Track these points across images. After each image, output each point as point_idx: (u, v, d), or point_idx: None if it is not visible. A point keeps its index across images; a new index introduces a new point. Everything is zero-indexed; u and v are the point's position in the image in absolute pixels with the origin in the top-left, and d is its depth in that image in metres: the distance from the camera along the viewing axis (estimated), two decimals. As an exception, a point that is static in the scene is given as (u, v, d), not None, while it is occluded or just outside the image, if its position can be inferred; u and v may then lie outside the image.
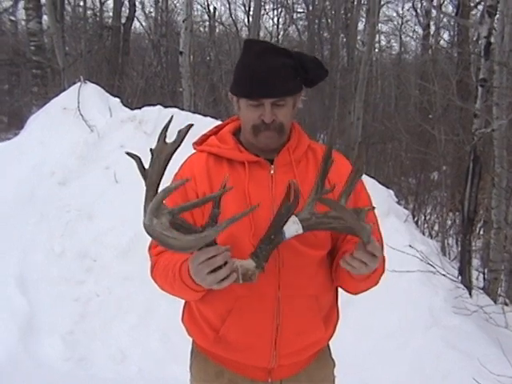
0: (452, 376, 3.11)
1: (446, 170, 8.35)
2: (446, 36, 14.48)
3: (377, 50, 15.20)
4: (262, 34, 13.38)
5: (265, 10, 14.60)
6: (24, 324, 3.73)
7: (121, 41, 12.99)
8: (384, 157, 11.55)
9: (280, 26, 15.95)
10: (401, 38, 16.62)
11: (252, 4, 12.63)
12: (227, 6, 15.03)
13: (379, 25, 13.53)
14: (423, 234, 6.67)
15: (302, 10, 14.98)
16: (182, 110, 6.34)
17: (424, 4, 13.69)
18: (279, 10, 15.48)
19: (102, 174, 5.13)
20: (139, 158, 1.32)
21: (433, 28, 13.91)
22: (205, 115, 5.83)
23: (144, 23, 15.56)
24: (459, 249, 6.18)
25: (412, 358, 3.32)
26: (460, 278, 4.64)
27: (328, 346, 1.77)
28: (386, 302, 3.66)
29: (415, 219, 7.96)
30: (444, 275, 4.00)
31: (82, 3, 13.27)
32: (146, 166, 1.33)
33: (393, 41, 17.58)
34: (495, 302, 4.87)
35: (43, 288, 4.11)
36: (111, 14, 14.03)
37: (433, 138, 8.03)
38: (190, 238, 1.28)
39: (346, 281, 1.58)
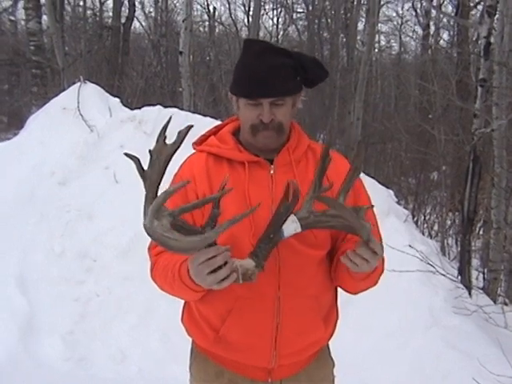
0: (452, 376, 3.12)
1: (445, 170, 8.35)
2: (445, 36, 14.49)
3: (376, 50, 15.20)
4: (261, 33, 13.38)
5: (264, 10, 14.61)
6: (24, 324, 3.73)
7: (120, 41, 12.98)
8: (384, 157, 11.55)
9: (280, 26, 15.97)
10: (400, 38, 16.64)
11: (252, 4, 12.63)
12: (227, 5, 15.05)
13: (379, 25, 13.54)
14: (423, 233, 6.67)
15: (301, 10, 14.98)
16: (182, 109, 6.34)
17: (424, 4, 13.69)
18: (279, 9, 15.49)
19: (101, 174, 5.13)
20: (138, 160, 1.32)
21: (432, 28, 13.92)
22: (204, 115, 5.83)
23: (144, 23, 15.59)
24: (459, 249, 6.18)
25: (412, 358, 3.32)
26: (460, 277, 4.65)
27: (327, 345, 1.77)
28: (385, 301, 3.66)
29: (415, 219, 7.96)
30: (444, 275, 4.00)
31: (81, 3, 13.29)
32: (145, 166, 1.33)
33: (392, 41, 17.60)
34: (495, 301, 4.88)
35: (43, 288, 4.11)
36: (111, 13, 14.03)
37: (432, 138, 8.03)
38: (191, 239, 1.28)
39: (345, 280, 1.58)
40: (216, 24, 15.32)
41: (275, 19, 15.89)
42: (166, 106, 5.94)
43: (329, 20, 13.52)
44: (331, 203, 1.38)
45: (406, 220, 4.96)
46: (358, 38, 12.72)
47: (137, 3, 14.14)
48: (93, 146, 5.43)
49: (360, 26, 13.22)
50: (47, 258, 4.40)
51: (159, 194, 1.30)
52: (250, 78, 1.52)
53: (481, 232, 7.65)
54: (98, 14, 14.72)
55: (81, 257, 4.42)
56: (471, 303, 3.92)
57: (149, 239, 1.37)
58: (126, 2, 13.56)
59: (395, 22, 16.31)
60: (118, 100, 6.22)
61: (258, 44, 1.59)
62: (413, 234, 4.66)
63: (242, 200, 1.53)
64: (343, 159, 1.70)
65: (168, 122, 1.36)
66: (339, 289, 1.70)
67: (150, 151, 1.33)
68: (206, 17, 15.52)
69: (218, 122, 1.81)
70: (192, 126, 1.35)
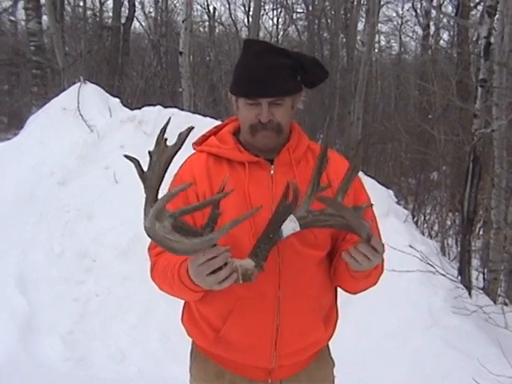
0: (452, 376, 3.12)
1: (445, 171, 8.35)
2: (445, 36, 14.49)
3: (376, 50, 15.20)
4: (261, 34, 13.37)
5: (264, 10, 14.60)
6: (24, 324, 3.73)
7: (120, 41, 12.99)
8: (384, 157, 11.56)
9: (280, 27, 15.95)
10: (400, 38, 16.62)
11: (252, 4, 12.63)
12: (227, 6, 15.04)
13: (379, 25, 13.55)
14: (423, 234, 6.67)
15: (301, 10, 14.96)
16: (182, 110, 6.34)
17: (424, 4, 13.69)
18: (279, 10, 15.47)
19: (101, 174, 5.13)
20: (138, 161, 1.32)
21: (432, 28, 13.92)
22: (204, 115, 5.83)
23: (144, 23, 15.58)
24: (459, 249, 6.18)
25: (412, 358, 3.32)
26: (460, 278, 4.64)
27: (328, 345, 1.77)
28: (385, 301, 3.66)
29: (415, 219, 7.96)
30: (444, 275, 4.00)
31: (81, 3, 13.28)
32: (145, 167, 1.33)
33: (392, 41, 17.59)
34: (495, 302, 4.88)
35: (43, 288, 4.12)
36: (111, 14, 14.04)
37: (432, 138, 8.03)
38: (194, 241, 1.27)
39: (345, 280, 1.58)
40: (216, 24, 15.33)
41: (275, 19, 15.90)
42: (166, 107, 5.94)
43: (329, 20, 13.51)
44: (330, 203, 1.38)
45: (405, 220, 4.96)
46: (358, 38, 12.73)
47: (137, 3, 14.16)
48: (93, 146, 5.43)
49: (360, 26, 13.24)
50: (47, 258, 4.40)
51: (160, 195, 1.30)
52: (249, 77, 1.52)
53: (481, 232, 7.65)
54: (98, 14, 14.73)
55: (80, 257, 4.42)
56: (471, 303, 3.92)
57: (148, 239, 1.36)
58: (126, 3, 13.57)
59: (395, 22, 16.32)
60: (118, 100, 6.22)
61: (258, 44, 1.60)
62: (413, 234, 4.66)
63: (242, 200, 1.52)
64: (343, 159, 1.69)
65: (167, 123, 1.35)
66: (339, 289, 1.70)
67: (149, 152, 1.33)
68: (205, 17, 15.55)
69: (218, 123, 1.81)
70: (193, 128, 1.35)
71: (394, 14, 17.14)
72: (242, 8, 15.01)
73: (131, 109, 6.12)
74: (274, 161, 1.59)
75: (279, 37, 15.33)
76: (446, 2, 13.84)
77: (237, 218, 1.30)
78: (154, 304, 3.91)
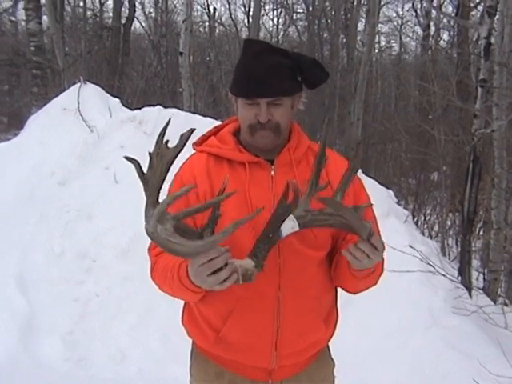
0: (452, 376, 3.12)
1: (445, 171, 8.35)
2: (445, 36, 14.48)
3: (377, 51, 15.20)
4: (261, 34, 13.37)
5: (265, 10, 14.60)
6: (24, 324, 3.73)
7: (121, 41, 12.99)
8: (384, 157, 11.56)
9: (280, 27, 15.95)
10: (401, 38, 16.62)
11: (252, 4, 12.63)
12: (227, 6, 15.03)
13: (379, 25, 13.54)
14: (423, 234, 6.68)
15: (301, 11, 14.96)
16: (182, 110, 6.34)
17: (424, 4, 13.68)
18: (279, 10, 15.47)
19: (101, 175, 5.13)
20: (138, 163, 1.32)
21: (433, 28, 13.91)
22: (205, 116, 5.83)
23: (144, 24, 15.59)
24: (459, 249, 6.18)
25: (412, 358, 3.32)
26: (460, 278, 4.64)
27: (328, 346, 1.77)
28: (385, 301, 3.66)
29: (415, 220, 7.96)
30: (444, 275, 4.00)
31: (81, 4, 13.28)
32: (145, 167, 1.33)
33: (393, 41, 17.58)
34: (495, 302, 4.87)
35: (43, 288, 4.12)
36: (111, 14, 14.04)
37: (432, 138, 8.03)
38: (197, 243, 1.27)
39: (346, 279, 1.58)
40: (216, 24, 15.33)
41: (275, 20, 15.91)
42: (166, 107, 5.94)
43: (329, 20, 13.51)
44: (329, 202, 1.38)
45: (406, 220, 4.96)
46: (358, 38, 12.74)
47: (137, 4, 14.17)
48: (93, 146, 5.43)
49: (360, 26, 13.25)
50: (47, 258, 4.40)
51: (162, 197, 1.29)
52: (248, 77, 1.52)
53: (481, 232, 7.65)
54: (98, 14, 14.72)
55: (80, 257, 4.42)
56: (471, 303, 3.92)
57: (148, 239, 1.36)
58: (126, 3, 13.57)
59: (395, 23, 16.32)
60: (118, 100, 6.22)
61: (258, 44, 1.59)
62: (413, 235, 4.66)
63: (242, 201, 1.52)
64: (343, 159, 1.69)
65: (167, 124, 1.35)
66: (339, 289, 1.70)
67: (149, 153, 1.33)
68: (206, 17, 15.54)
69: (218, 123, 1.81)
70: (194, 130, 1.35)
71: (394, 15, 17.19)
72: (242, 8, 15.01)
73: (131, 109, 6.12)
74: (275, 161, 1.59)
75: (279, 37, 15.34)
76: (446, 3, 13.86)
77: (239, 220, 1.30)
78: (154, 304, 3.91)
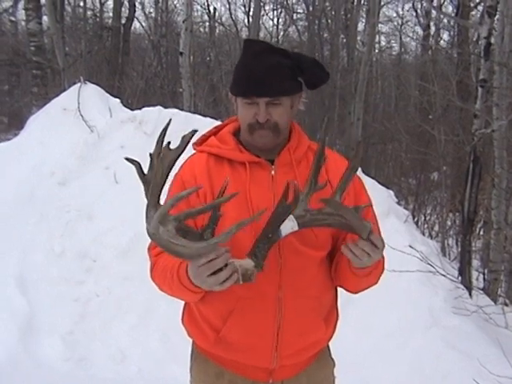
0: (452, 376, 3.12)
1: (445, 171, 8.35)
2: (445, 36, 14.48)
3: (377, 51, 15.20)
4: (262, 34, 13.38)
5: (265, 10, 14.60)
6: (24, 324, 3.73)
7: (121, 41, 12.99)
8: (384, 157, 11.56)
9: (280, 27, 15.96)
10: (401, 38, 16.63)
11: (252, 4, 12.63)
12: (227, 6, 15.03)
13: (379, 25, 13.55)
14: (423, 234, 6.67)
15: (301, 11, 14.96)
16: (182, 110, 6.34)
17: (424, 4, 13.68)
18: (279, 10, 15.47)
19: (101, 175, 5.13)
20: (139, 164, 1.31)
21: (433, 28, 13.91)
22: (205, 116, 5.83)
23: (144, 24, 15.59)
24: (459, 249, 6.18)
25: (412, 358, 3.32)
26: (460, 278, 4.64)
27: (328, 346, 1.77)
28: (385, 301, 3.66)
29: (415, 219, 7.96)
30: (444, 275, 4.00)
31: (81, 4, 13.30)
32: (145, 168, 1.32)
33: (393, 41, 17.59)
34: (495, 302, 4.87)
35: (43, 288, 4.12)
36: (111, 14, 14.03)
37: (433, 138, 8.03)
38: (199, 245, 1.27)
39: (347, 278, 1.58)
40: (216, 24, 15.33)
41: (275, 20, 15.91)
42: (166, 107, 5.94)
43: (329, 20, 13.51)
44: (328, 202, 1.38)
45: (406, 220, 4.96)
46: (359, 38, 12.74)
47: (137, 4, 14.17)
48: (93, 146, 5.43)
49: (360, 26, 13.25)
50: (47, 258, 4.40)
51: (162, 197, 1.29)
52: (247, 77, 1.52)
53: (481, 232, 7.65)
54: (98, 14, 14.73)
55: (81, 257, 4.42)
56: (471, 303, 3.92)
57: (148, 239, 1.36)
58: (126, 3, 13.57)
59: (395, 23, 16.32)
60: (118, 100, 6.22)
61: (258, 44, 1.60)
62: (413, 235, 4.66)
63: (243, 201, 1.52)
64: (343, 159, 1.69)
65: (167, 124, 1.35)
66: (339, 289, 1.70)
67: (150, 154, 1.33)
68: (206, 17, 15.55)
69: (219, 123, 1.81)
70: (196, 131, 1.35)
71: (395, 15, 17.19)
72: (243, 8, 15.01)
73: (131, 109, 6.13)
74: (275, 161, 1.59)
75: (279, 37, 15.34)
76: (446, 3, 13.85)
77: (242, 221, 1.30)
78: (154, 304, 3.91)
